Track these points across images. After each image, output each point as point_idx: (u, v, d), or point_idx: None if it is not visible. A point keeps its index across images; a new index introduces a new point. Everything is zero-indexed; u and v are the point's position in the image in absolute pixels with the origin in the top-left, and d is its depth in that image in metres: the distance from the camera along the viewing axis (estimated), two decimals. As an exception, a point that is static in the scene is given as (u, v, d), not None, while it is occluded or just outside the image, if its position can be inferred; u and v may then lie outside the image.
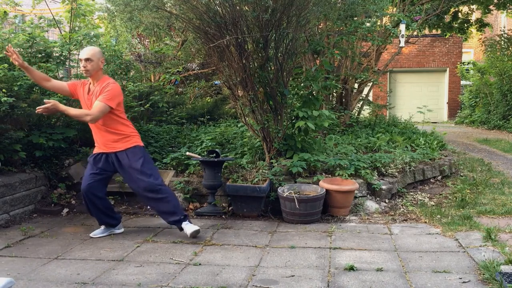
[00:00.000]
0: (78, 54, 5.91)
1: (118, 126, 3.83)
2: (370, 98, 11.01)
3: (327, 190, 4.45)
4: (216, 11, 4.65)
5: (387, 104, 11.80)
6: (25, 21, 6.01)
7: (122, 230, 4.10)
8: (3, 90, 4.31)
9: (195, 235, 3.80)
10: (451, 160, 6.35)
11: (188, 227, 3.82)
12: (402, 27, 8.34)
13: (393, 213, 4.61)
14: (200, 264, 3.29)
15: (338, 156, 5.29)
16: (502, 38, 14.93)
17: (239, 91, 5.28)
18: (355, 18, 6.63)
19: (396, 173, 5.27)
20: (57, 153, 5.10)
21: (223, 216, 4.57)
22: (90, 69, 3.75)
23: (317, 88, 5.31)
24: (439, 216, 4.41)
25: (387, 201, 4.97)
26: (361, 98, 8.66)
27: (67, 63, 5.59)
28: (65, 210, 4.75)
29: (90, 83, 3.87)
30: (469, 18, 13.18)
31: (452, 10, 12.34)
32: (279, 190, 4.46)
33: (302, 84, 5.54)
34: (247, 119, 5.32)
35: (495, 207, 4.64)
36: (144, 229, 4.18)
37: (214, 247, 3.67)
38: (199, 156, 4.92)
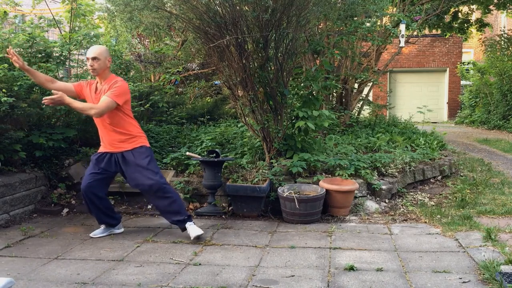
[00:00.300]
0: (78, 54, 5.95)
1: (125, 125, 3.81)
2: (370, 98, 11.01)
3: (327, 190, 4.45)
4: (216, 11, 4.65)
5: (387, 104, 11.80)
6: (25, 21, 6.01)
7: (122, 230, 4.10)
8: (3, 90, 4.31)
9: (197, 238, 3.77)
10: (451, 160, 6.35)
11: (192, 230, 3.79)
12: (402, 27, 8.34)
13: (393, 213, 4.61)
14: (200, 264, 3.29)
15: (338, 156, 5.29)
16: (502, 38, 14.93)
17: (239, 91, 5.28)
18: (355, 18, 6.63)
19: (396, 173, 5.27)
20: (57, 153, 5.10)
21: (223, 216, 4.57)
22: (97, 68, 3.75)
23: (317, 88, 5.31)
24: (439, 216, 4.41)
25: (387, 201, 4.97)
26: (361, 98, 8.66)
27: (67, 63, 5.59)
28: (65, 210, 4.75)
29: (97, 82, 3.86)
30: (469, 18, 13.18)
31: (452, 10, 12.34)
32: (279, 190, 4.46)
33: (302, 84, 5.54)
34: (247, 119, 5.32)
35: (495, 207, 4.64)
36: (144, 229, 4.18)
37: (214, 247, 3.67)
38: (199, 156, 4.92)
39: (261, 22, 4.67)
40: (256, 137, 5.48)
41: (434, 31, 15.20)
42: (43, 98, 3.60)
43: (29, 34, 5.00)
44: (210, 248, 3.63)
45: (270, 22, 4.68)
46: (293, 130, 5.24)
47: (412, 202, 5.00)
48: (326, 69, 6.20)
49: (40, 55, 5.14)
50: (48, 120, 5.18)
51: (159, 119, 7.04)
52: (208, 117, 7.94)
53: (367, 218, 4.46)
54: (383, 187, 4.94)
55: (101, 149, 3.93)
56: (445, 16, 12.46)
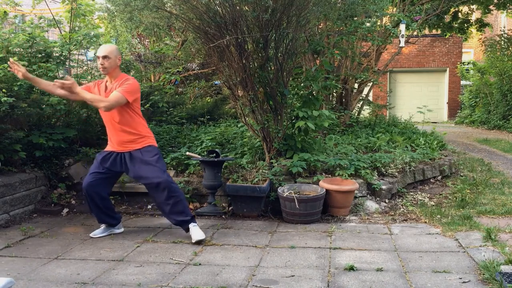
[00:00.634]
0: (78, 54, 5.95)
1: (134, 125, 3.80)
2: (370, 98, 11.01)
3: (327, 190, 4.45)
4: (216, 11, 4.65)
5: (387, 104, 11.80)
6: (25, 21, 6.01)
7: (122, 230, 4.10)
8: (3, 90, 4.31)
9: (199, 242, 3.75)
10: (451, 160, 6.35)
11: (195, 233, 3.76)
12: (402, 27, 8.34)
13: (393, 213, 4.61)
14: (200, 264, 3.29)
15: (338, 156, 5.29)
16: (502, 38, 14.93)
17: (239, 91, 5.28)
18: (355, 18, 6.62)
19: (396, 173, 5.27)
20: (57, 153, 5.10)
21: (223, 216, 4.57)
22: (108, 67, 3.74)
23: (317, 88, 5.31)
24: (439, 216, 4.41)
25: (387, 201, 4.97)
26: (361, 98, 8.66)
27: (67, 63, 5.59)
28: (65, 210, 4.75)
29: (106, 81, 3.85)
30: (469, 18, 13.18)
31: (452, 10, 12.34)
32: (279, 190, 4.46)
33: (302, 84, 5.54)
34: (247, 119, 5.32)
35: (495, 207, 4.64)
36: (144, 229, 4.18)
37: (214, 247, 3.67)
38: (199, 156, 4.92)
39: (261, 22, 4.67)
40: (256, 137, 5.48)
41: (434, 31, 15.20)
42: (55, 80, 3.56)
43: (29, 34, 5.00)
44: (210, 248, 3.63)
45: (270, 22, 4.68)
46: (293, 130, 5.24)
47: (412, 202, 5.00)
48: (326, 69, 6.20)
49: (40, 55, 5.14)
50: (48, 120, 5.18)
51: (159, 119, 7.04)
52: (208, 117, 7.94)
53: (367, 218, 4.45)
54: (383, 187, 4.94)
55: (108, 148, 3.91)
56: (445, 16, 12.46)
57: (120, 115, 3.74)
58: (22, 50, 5.02)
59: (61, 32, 6.00)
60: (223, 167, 4.82)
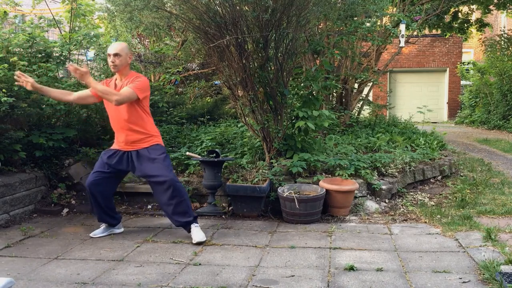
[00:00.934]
0: (78, 54, 5.95)
1: (143, 123, 3.79)
2: (370, 98, 11.01)
3: (327, 190, 4.45)
4: (216, 11, 4.65)
5: (387, 104, 11.80)
6: (25, 21, 6.02)
7: (122, 229, 4.10)
8: (3, 90, 4.31)
9: (199, 244, 3.73)
10: (451, 160, 6.35)
11: (196, 234, 3.75)
12: (402, 27, 8.34)
13: (393, 213, 4.61)
14: (200, 264, 3.29)
15: (338, 156, 5.29)
16: (502, 38, 14.93)
17: (239, 91, 5.28)
18: (355, 18, 6.62)
19: (396, 173, 5.27)
20: (57, 153, 5.10)
21: (223, 216, 4.57)
22: (119, 64, 3.74)
23: (317, 88, 5.31)
24: (439, 216, 4.41)
25: (387, 201, 4.97)
26: (361, 98, 8.66)
27: (67, 63, 5.59)
28: (65, 210, 4.75)
29: (116, 79, 3.85)
30: (469, 18, 13.18)
31: (452, 10, 12.34)
32: (279, 190, 4.46)
33: (302, 84, 5.54)
34: (247, 119, 5.32)
35: (495, 207, 4.64)
36: (144, 229, 4.18)
37: (214, 247, 3.67)
38: (199, 156, 4.92)
39: (261, 22, 4.67)
40: (256, 137, 5.48)
41: (434, 31, 15.20)
42: (70, 64, 3.54)
43: (29, 34, 5.00)
44: (210, 248, 3.63)
45: (270, 22, 4.68)
46: (293, 130, 5.24)
47: (412, 202, 5.00)
48: (326, 69, 6.20)
49: (40, 55, 5.14)
50: (48, 120, 5.18)
51: (159, 119, 7.04)
52: (208, 117, 7.94)
53: (367, 218, 4.45)
54: (383, 187, 4.94)
55: (114, 147, 3.90)
56: (445, 16, 12.46)
57: (130, 113, 3.73)
58: (22, 50, 5.02)
59: (61, 32, 6.01)
60: (223, 167, 4.82)
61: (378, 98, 17.00)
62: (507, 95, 13.68)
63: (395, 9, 8.37)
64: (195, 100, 9.34)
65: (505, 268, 2.98)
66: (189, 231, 3.83)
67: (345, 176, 4.80)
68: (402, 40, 8.50)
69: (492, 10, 13.08)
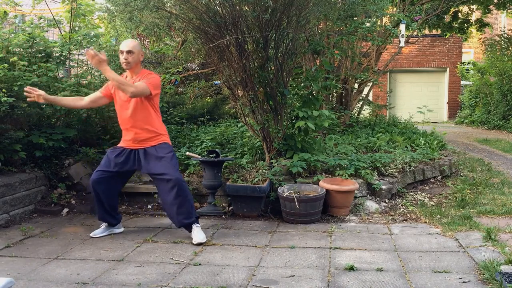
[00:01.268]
0: (78, 54, 5.94)
1: (153, 121, 3.79)
2: (370, 98, 11.01)
3: (327, 190, 4.45)
4: (216, 11, 4.65)
5: (387, 104, 11.80)
6: (25, 21, 6.01)
7: (122, 229, 4.10)
8: (3, 90, 4.31)
9: (199, 245, 3.72)
10: (451, 160, 6.35)
11: (197, 235, 3.75)
12: (402, 27, 8.34)
13: (393, 213, 4.61)
14: (200, 264, 3.29)
15: (338, 156, 5.29)
16: (502, 38, 14.93)
17: (239, 91, 5.28)
18: (355, 18, 6.62)
19: (396, 173, 5.27)
20: (57, 153, 5.10)
21: (223, 216, 4.57)
22: (131, 61, 3.74)
23: (317, 88, 5.31)
24: (439, 216, 4.41)
25: (387, 201, 4.97)
26: (361, 98, 8.66)
27: (67, 63, 5.59)
28: (65, 210, 4.75)
29: (126, 77, 3.85)
30: (469, 18, 13.18)
31: (452, 10, 12.34)
32: (279, 190, 4.46)
33: (302, 84, 5.54)
34: (247, 119, 5.32)
35: (495, 207, 4.64)
36: (144, 229, 4.18)
37: (214, 247, 3.67)
38: (199, 156, 4.92)
39: (261, 22, 4.67)
40: (256, 137, 5.48)
41: (434, 31, 15.20)
42: (90, 48, 3.52)
43: (29, 34, 5.00)
44: (210, 248, 3.63)
45: (270, 22, 4.68)
46: (293, 130, 5.24)
47: (412, 202, 5.00)
48: (326, 69, 6.20)
49: (40, 55, 5.14)
50: (48, 120, 5.18)
51: (159, 119, 7.03)
52: (208, 117, 7.94)
53: (367, 218, 4.46)
54: (383, 187, 4.94)
55: (121, 145, 3.89)
56: (445, 16, 12.46)
57: (140, 111, 3.74)
58: (22, 50, 5.02)
59: (61, 32, 6.01)
60: (223, 167, 4.82)
61: (378, 98, 17.01)
62: (507, 95, 13.68)
63: (395, 9, 8.37)
64: (195, 100, 9.34)
65: (505, 268, 2.98)
66: (190, 231, 3.82)
67: (345, 176, 4.80)
68: (402, 40, 8.50)
69: (492, 10, 13.08)
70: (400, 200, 5.09)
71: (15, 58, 4.68)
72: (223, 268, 3.21)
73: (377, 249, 3.56)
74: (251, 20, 4.71)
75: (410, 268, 3.17)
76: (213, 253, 3.51)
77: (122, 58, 3.75)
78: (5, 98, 4.18)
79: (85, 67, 6.11)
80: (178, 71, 8.39)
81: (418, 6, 8.78)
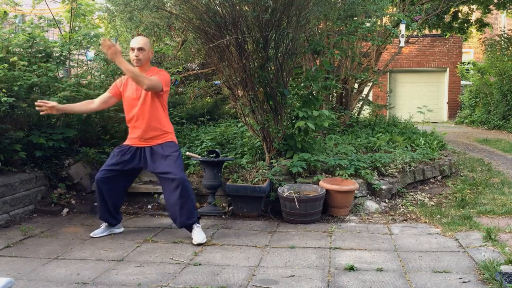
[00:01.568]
0: (78, 54, 5.95)
1: (161, 119, 3.81)
2: (370, 98, 11.01)
3: (327, 190, 4.45)
4: (216, 11, 4.65)
5: (387, 104, 11.80)
6: (25, 21, 6.02)
7: (122, 229, 4.10)
8: (3, 90, 4.31)
9: (199, 245, 3.72)
10: (451, 160, 6.35)
11: (197, 235, 3.75)
12: (402, 27, 8.34)
13: (393, 213, 4.61)
14: (200, 264, 3.29)
15: (338, 156, 5.29)
16: (502, 38, 14.93)
17: (239, 91, 5.28)
18: (355, 18, 6.62)
19: (396, 173, 5.27)
20: (57, 153, 5.10)
21: (223, 216, 4.57)
22: (142, 59, 3.74)
23: (317, 88, 5.31)
24: (439, 216, 4.41)
25: (387, 201, 4.97)
26: (361, 98, 8.66)
27: (67, 63, 5.59)
28: (65, 210, 4.75)
29: None
30: (469, 18, 13.18)
31: (452, 10, 12.34)
32: (279, 190, 4.46)
33: (302, 84, 5.54)
34: (247, 119, 5.32)
35: (495, 207, 4.64)
36: (144, 229, 4.18)
37: (214, 247, 3.67)
38: (199, 156, 4.92)
39: (261, 22, 4.67)
40: (256, 137, 5.48)
41: (434, 31, 15.20)
42: (106, 38, 3.53)
43: (29, 34, 5.00)
44: (210, 248, 3.63)
45: (270, 22, 4.68)
46: (293, 130, 5.24)
47: (412, 202, 5.00)
48: (326, 69, 6.20)
49: (40, 55, 5.14)
50: (48, 120, 5.18)
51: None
52: (208, 117, 7.94)
53: (367, 218, 4.46)
54: (383, 187, 4.94)
55: (128, 143, 3.89)
56: (445, 16, 12.46)
57: (152, 107, 3.74)
58: (22, 50, 5.02)
59: (61, 32, 6.01)
60: (223, 167, 4.82)
61: (378, 98, 17.00)
62: (507, 95, 13.68)
63: (395, 9, 8.37)
64: (195, 100, 9.34)
65: (505, 268, 2.98)
66: (190, 231, 3.82)
67: (345, 176, 4.80)
68: (402, 40, 8.50)
69: (492, 10, 13.08)
70: (400, 200, 5.09)
71: (15, 58, 4.68)
72: (223, 268, 3.21)
73: (377, 249, 3.56)
74: (251, 20, 4.71)
75: (410, 268, 3.17)
76: (213, 253, 3.51)
77: (132, 55, 3.74)
78: (5, 98, 4.18)
79: (85, 67, 6.11)
80: (178, 71, 8.39)
81: (418, 6, 8.78)
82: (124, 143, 3.92)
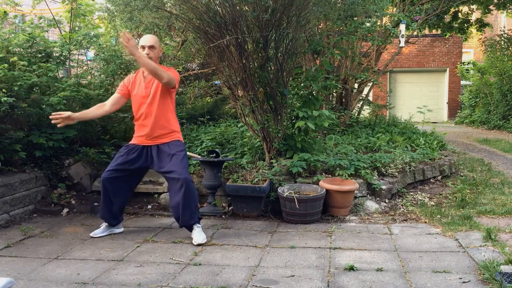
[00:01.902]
0: (78, 54, 5.95)
1: (169, 118, 3.82)
2: (370, 98, 11.01)
3: (327, 190, 4.45)
4: (216, 11, 4.66)
5: (387, 104, 11.80)
6: (25, 21, 6.02)
7: (122, 229, 4.10)
8: (3, 90, 4.31)
9: (199, 245, 3.71)
10: (451, 160, 6.35)
11: (197, 235, 3.74)
12: (402, 27, 8.34)
13: (393, 213, 4.61)
14: (200, 264, 3.29)
15: (338, 156, 5.29)
16: (502, 38, 14.93)
17: (239, 91, 5.28)
18: (355, 18, 6.62)
19: (396, 173, 5.27)
20: (57, 153, 5.10)
21: (223, 216, 4.57)
22: (153, 57, 3.75)
23: (317, 88, 5.31)
24: (439, 216, 4.41)
25: (387, 201, 4.97)
26: (361, 98, 8.66)
27: (67, 63, 5.59)
28: (65, 210, 4.75)
29: (143, 72, 3.86)
30: (469, 18, 13.19)
31: (452, 10, 12.34)
32: (279, 190, 4.46)
33: (302, 84, 5.54)
34: (247, 119, 5.32)
35: (495, 207, 4.64)
36: (144, 229, 4.18)
37: (214, 247, 3.67)
38: (199, 156, 4.92)
39: (261, 22, 4.67)
40: (256, 137, 5.48)
41: (434, 31, 15.20)
42: (125, 33, 3.51)
43: (29, 34, 5.00)
44: (210, 248, 3.63)
45: (270, 22, 4.68)
46: (293, 130, 5.24)
47: (412, 202, 5.00)
48: (326, 69, 6.20)
49: (40, 55, 5.15)
50: (48, 120, 5.16)
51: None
52: (208, 117, 7.94)
53: (367, 218, 4.45)
54: (383, 187, 4.94)
55: (134, 141, 3.88)
56: (445, 16, 12.46)
57: (162, 104, 3.76)
58: (22, 50, 5.03)
59: (61, 32, 6.01)
60: (223, 167, 4.82)
61: (378, 98, 17.00)
62: (507, 95, 13.68)
63: (395, 9, 8.37)
64: (195, 100, 9.34)
65: (505, 268, 2.98)
66: (191, 231, 3.82)
67: (345, 176, 4.80)
68: (402, 40, 8.50)
69: (492, 10, 13.08)
70: (400, 200, 5.09)
71: (15, 58, 4.68)
72: (223, 268, 3.21)
73: (377, 249, 3.56)
74: (251, 20, 4.71)
75: (410, 268, 3.17)
76: (213, 253, 3.51)
77: (143, 53, 3.73)
78: (5, 98, 4.18)
79: (85, 67, 6.11)
80: (178, 71, 8.39)
81: (418, 6, 8.78)
82: (131, 142, 3.92)
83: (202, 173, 4.85)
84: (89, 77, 5.82)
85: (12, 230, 4.16)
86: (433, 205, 4.88)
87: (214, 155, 4.70)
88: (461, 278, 2.96)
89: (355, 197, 4.73)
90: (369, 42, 7.76)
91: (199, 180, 4.90)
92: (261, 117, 5.13)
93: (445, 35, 14.64)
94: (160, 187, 4.93)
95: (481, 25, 13.43)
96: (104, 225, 4.02)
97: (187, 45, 8.85)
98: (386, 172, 5.22)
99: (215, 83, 9.89)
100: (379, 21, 7.80)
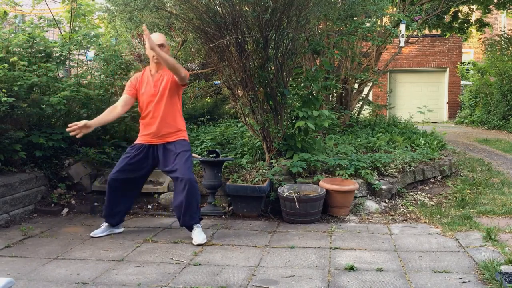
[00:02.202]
0: (78, 54, 5.95)
1: (176, 116, 3.84)
2: (370, 98, 11.01)
3: (327, 190, 4.45)
4: (216, 11, 4.66)
5: (387, 104, 11.80)
6: (25, 21, 6.02)
7: (122, 229, 4.10)
8: (3, 90, 4.31)
9: (199, 245, 3.71)
10: (451, 160, 6.35)
11: (197, 235, 3.74)
12: (402, 27, 8.34)
13: (393, 213, 4.61)
14: (200, 264, 3.29)
15: (338, 156, 5.29)
16: (502, 38, 14.93)
17: (239, 91, 5.28)
18: (355, 18, 6.62)
19: (396, 173, 5.27)
20: (57, 153, 5.10)
21: (223, 216, 4.57)
22: None
23: (317, 88, 5.31)
24: (439, 216, 4.41)
25: (387, 201, 4.97)
26: (361, 98, 8.66)
27: (67, 63, 5.59)
28: (65, 210, 4.75)
29: (150, 70, 3.86)
30: (469, 18, 13.19)
31: (452, 10, 12.34)
32: (279, 190, 4.46)
33: (302, 84, 5.54)
34: (247, 119, 5.32)
35: (495, 207, 4.64)
36: (144, 229, 4.18)
37: (214, 247, 3.67)
38: (199, 156, 4.92)
39: (261, 22, 4.67)
40: (256, 137, 5.48)
41: (434, 31, 15.20)
42: (146, 28, 3.51)
43: (29, 34, 5.00)
44: (210, 248, 3.63)
45: (270, 22, 4.68)
46: (293, 130, 5.24)
47: (412, 202, 5.00)
48: (326, 69, 6.20)
49: (40, 55, 5.15)
50: (48, 120, 5.18)
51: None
52: (208, 117, 7.94)
53: (367, 218, 4.45)
54: (383, 187, 4.94)
55: (140, 141, 3.88)
56: (445, 16, 12.46)
57: (167, 104, 3.77)
58: (22, 50, 5.03)
59: (61, 32, 6.01)
60: (223, 167, 4.82)
61: (378, 98, 17.01)
62: (507, 95, 13.68)
63: (395, 9, 8.37)
64: (195, 100, 9.35)
65: (505, 268, 2.98)
66: (191, 230, 3.83)
67: (345, 176, 4.80)
68: (402, 40, 8.50)
69: (492, 10, 13.08)
70: (400, 200, 5.09)
71: (15, 58, 4.68)
72: (223, 268, 3.21)
73: (377, 249, 3.56)
74: (251, 20, 4.71)
75: (410, 268, 3.17)
76: (213, 253, 3.51)
77: (152, 52, 3.73)
78: (5, 98, 4.18)
79: (85, 67, 6.11)
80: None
81: (418, 6, 8.78)
82: (136, 142, 3.91)
83: (202, 173, 4.85)
84: (89, 77, 5.82)
85: (12, 230, 4.16)
86: (433, 205, 4.88)
87: (214, 155, 4.70)
88: (461, 278, 2.96)
89: (355, 197, 4.73)
90: (369, 42, 7.76)
91: (199, 180, 4.89)
92: (261, 117, 5.13)
93: (445, 35, 14.64)
94: (160, 187, 4.93)
95: (481, 25, 13.43)
96: (104, 225, 4.03)
97: (187, 45, 8.85)
98: (386, 172, 5.22)
99: (215, 83, 9.89)
100: (379, 21, 7.80)
